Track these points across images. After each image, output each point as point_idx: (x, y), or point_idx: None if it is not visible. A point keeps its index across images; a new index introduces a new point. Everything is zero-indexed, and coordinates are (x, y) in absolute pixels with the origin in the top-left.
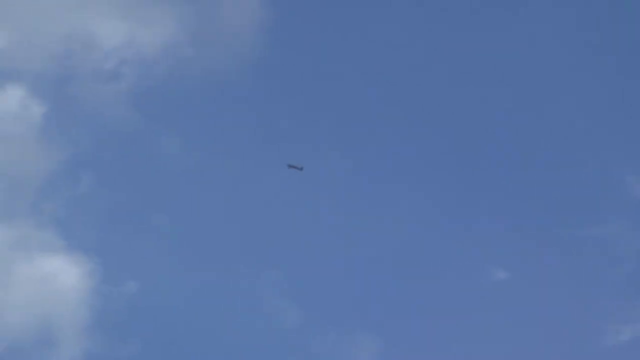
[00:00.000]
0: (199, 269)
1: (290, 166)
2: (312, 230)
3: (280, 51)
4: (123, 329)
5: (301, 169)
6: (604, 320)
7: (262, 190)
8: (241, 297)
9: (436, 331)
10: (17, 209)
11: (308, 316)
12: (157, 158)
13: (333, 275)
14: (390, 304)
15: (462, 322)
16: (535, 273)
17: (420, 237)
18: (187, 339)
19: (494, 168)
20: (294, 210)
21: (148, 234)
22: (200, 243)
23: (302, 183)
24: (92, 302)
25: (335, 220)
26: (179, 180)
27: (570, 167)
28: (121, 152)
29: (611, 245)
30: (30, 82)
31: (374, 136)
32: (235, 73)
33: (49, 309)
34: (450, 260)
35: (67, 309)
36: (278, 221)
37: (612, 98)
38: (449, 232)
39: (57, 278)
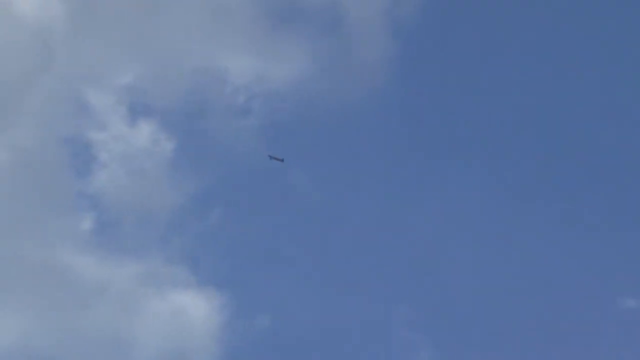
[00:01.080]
0: (331, 302)
1: (271, 157)
2: (444, 263)
3: (410, 84)
4: None
5: (282, 160)
6: None
7: (394, 224)
8: (373, 330)
9: None
10: (147, 243)
11: (440, 351)
12: (287, 192)
13: (465, 310)
14: (522, 333)
15: (591, 351)
16: None
17: (550, 265)
18: None
19: (625, 196)
20: (429, 242)
21: (278, 267)
22: (331, 276)
23: (436, 215)
24: (223, 336)
25: (466, 252)
26: (309, 214)
27: None
28: (251, 186)
29: None
30: (161, 117)
31: (508, 165)
32: (366, 107)
33: (180, 344)
34: (579, 288)
35: (199, 344)
36: (411, 253)
37: None
38: (579, 259)
39: (187, 313)
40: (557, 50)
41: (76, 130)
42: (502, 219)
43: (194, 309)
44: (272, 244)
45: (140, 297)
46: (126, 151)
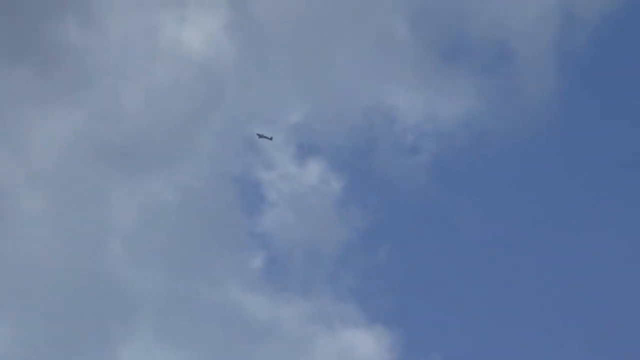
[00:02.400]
0: (501, 339)
1: (260, 136)
2: (610, 305)
3: (580, 119)
4: None
5: (270, 138)
6: None
7: (565, 262)
8: None
9: None
10: (316, 281)
11: None
12: (456, 228)
13: None
14: None
15: None
16: None
17: None
18: None
19: None
20: (601, 285)
21: (447, 304)
22: (501, 313)
23: (609, 257)
24: None
25: None
26: (478, 250)
27: None
28: (419, 223)
29: None
30: (329, 156)
31: None
32: (535, 143)
33: None
34: None
35: None
36: (582, 295)
37: None
38: None
39: (356, 351)
40: None
41: (245, 169)
42: None
43: (363, 347)
44: (441, 280)
45: (310, 335)
46: (295, 190)
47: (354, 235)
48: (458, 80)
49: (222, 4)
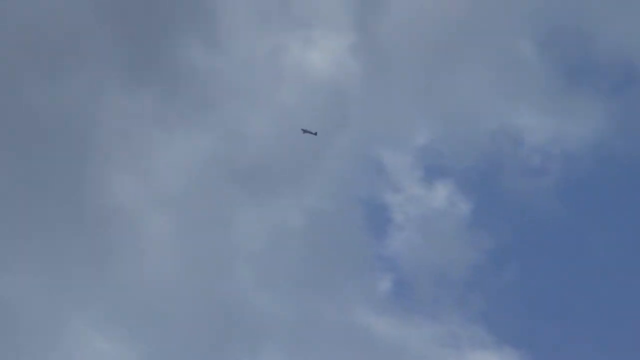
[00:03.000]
0: None
1: (304, 131)
2: None
3: None
4: None
5: (315, 134)
6: None
7: None
8: None
9: None
10: (444, 303)
11: None
12: (585, 250)
13: None
14: None
15: None
16: None
17: None
18: None
19: None
20: None
21: (576, 325)
22: (629, 334)
23: None
24: None
25: None
26: (607, 271)
27: None
28: (547, 245)
29: None
30: (457, 178)
31: None
32: None
33: None
34: None
35: None
36: None
37: None
38: None
39: None
40: None
41: (372, 192)
42: None
43: None
44: (569, 302)
45: (438, 357)
46: (422, 212)
47: (481, 257)
48: (585, 102)
49: (347, 25)
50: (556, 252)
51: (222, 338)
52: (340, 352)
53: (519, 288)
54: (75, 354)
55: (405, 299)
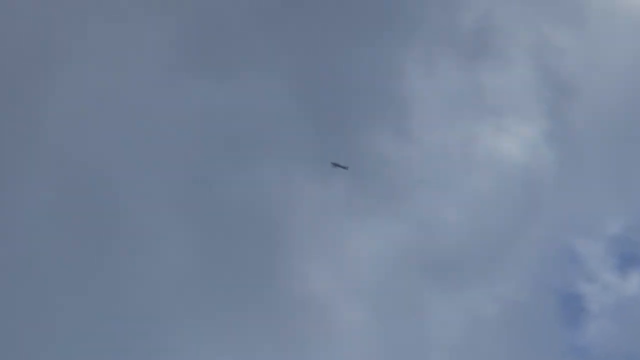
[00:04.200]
0: None
1: (334, 165)
2: None
3: None
4: None
5: (346, 168)
6: None
7: None
8: None
9: None
10: None
11: None
12: None
13: None
14: None
15: None
16: None
17: None
18: None
19: None
20: None
21: None
22: None
23: None
24: None
25: None
26: None
27: None
28: None
29: None
30: None
31: None
32: None
33: None
34: None
35: None
36: None
37: None
38: None
39: None
40: None
41: (565, 281)
42: None
43: None
44: None
45: None
46: (617, 301)
47: None
48: None
49: (539, 113)
50: None
51: None
52: None
53: None
54: None
55: None
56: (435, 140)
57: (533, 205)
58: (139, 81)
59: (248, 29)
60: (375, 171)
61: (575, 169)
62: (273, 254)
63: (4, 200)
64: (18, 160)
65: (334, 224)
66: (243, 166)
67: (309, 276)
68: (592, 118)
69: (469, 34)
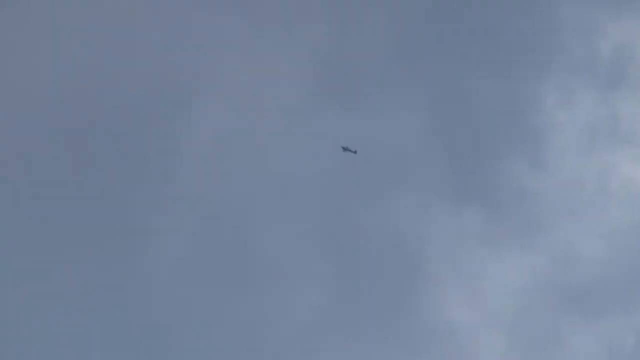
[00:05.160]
0: None
1: (344, 149)
2: None
3: None
4: None
5: (355, 152)
6: None
7: None
8: None
9: None
10: None
11: None
12: None
13: None
14: None
15: None
16: None
17: None
18: None
19: None
20: None
21: None
22: None
23: None
24: None
25: None
26: None
27: None
28: None
29: None
30: None
31: None
32: None
33: None
34: None
35: None
36: None
37: None
38: None
39: None
40: None
41: None
42: None
43: None
44: None
45: None
46: None
47: None
48: None
49: None
50: None
51: None
52: None
53: None
54: None
55: None
56: (571, 170)
57: None
58: (274, 117)
59: (383, 62)
60: (510, 202)
61: None
62: (409, 284)
63: (143, 246)
64: (154, 202)
65: (469, 255)
66: (379, 198)
67: (445, 306)
68: None
69: (605, 63)
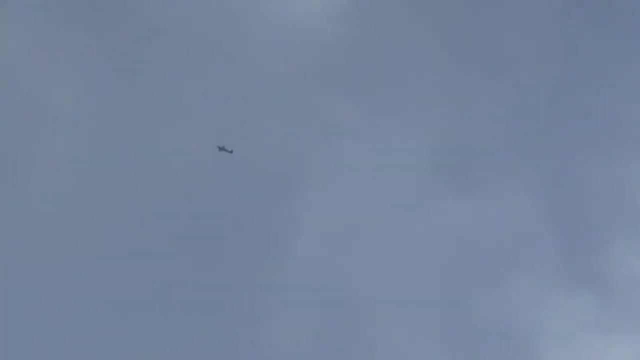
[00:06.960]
0: None
1: (220, 149)
2: None
3: None
4: None
5: (231, 151)
6: None
7: None
8: None
9: None
10: None
11: None
12: None
13: None
14: None
15: None
16: None
17: None
18: None
19: None
20: None
21: None
22: None
23: None
24: None
25: None
26: None
27: None
28: None
29: None
30: None
31: None
32: None
33: None
34: None
35: None
36: None
37: None
38: None
39: None
40: None
41: None
42: None
43: None
44: None
45: None
46: None
47: None
48: None
49: None
50: None
51: None
52: None
53: None
54: None
55: None
56: None
57: None
58: (390, 204)
59: (497, 146)
60: (624, 288)
61: None
62: None
63: (260, 341)
64: (267, 285)
65: (584, 341)
66: (492, 284)
67: None
68: None
69: None
